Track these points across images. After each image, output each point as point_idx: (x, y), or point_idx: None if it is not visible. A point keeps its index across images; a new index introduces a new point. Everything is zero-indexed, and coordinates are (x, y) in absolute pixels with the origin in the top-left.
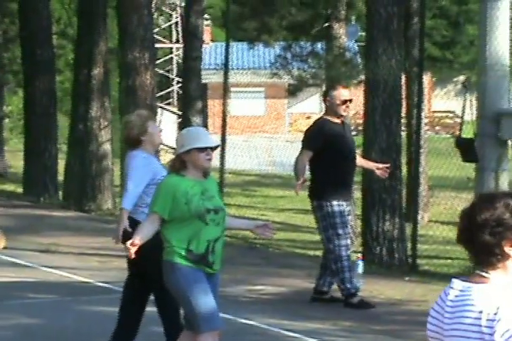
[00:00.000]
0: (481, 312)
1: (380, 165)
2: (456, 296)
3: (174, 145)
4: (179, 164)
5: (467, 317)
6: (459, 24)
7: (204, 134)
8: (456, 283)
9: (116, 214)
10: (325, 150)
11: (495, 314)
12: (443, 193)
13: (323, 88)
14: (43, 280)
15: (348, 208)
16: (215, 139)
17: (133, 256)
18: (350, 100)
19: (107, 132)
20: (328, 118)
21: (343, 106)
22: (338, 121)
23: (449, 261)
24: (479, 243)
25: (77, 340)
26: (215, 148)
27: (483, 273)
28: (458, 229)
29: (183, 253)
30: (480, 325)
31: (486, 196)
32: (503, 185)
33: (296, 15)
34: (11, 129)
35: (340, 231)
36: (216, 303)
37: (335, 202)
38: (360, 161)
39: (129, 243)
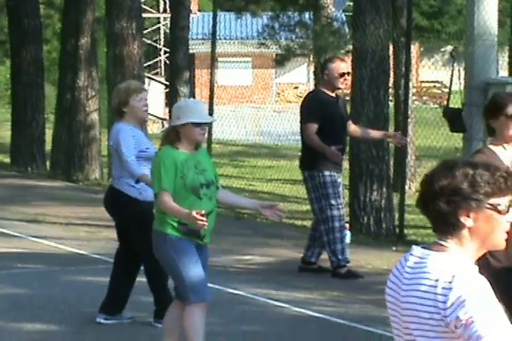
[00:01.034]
0: (437, 280)
1: (390, 134)
2: (415, 263)
3: (161, 116)
4: (173, 136)
5: (423, 284)
6: None
7: (201, 109)
8: (416, 250)
9: (104, 184)
10: (322, 121)
11: (450, 282)
12: (430, 163)
13: (311, 58)
14: (31, 251)
15: (340, 179)
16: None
17: (205, 227)
18: (348, 73)
19: (95, 102)
20: (324, 90)
21: (341, 79)
22: (332, 94)
23: None
24: (435, 211)
25: (66, 310)
26: (211, 122)
27: (441, 242)
28: (418, 195)
29: (176, 225)
30: (435, 293)
31: (448, 163)
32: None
33: None
34: None
35: (333, 202)
36: (206, 275)
37: (327, 173)
38: (363, 131)
39: (195, 213)
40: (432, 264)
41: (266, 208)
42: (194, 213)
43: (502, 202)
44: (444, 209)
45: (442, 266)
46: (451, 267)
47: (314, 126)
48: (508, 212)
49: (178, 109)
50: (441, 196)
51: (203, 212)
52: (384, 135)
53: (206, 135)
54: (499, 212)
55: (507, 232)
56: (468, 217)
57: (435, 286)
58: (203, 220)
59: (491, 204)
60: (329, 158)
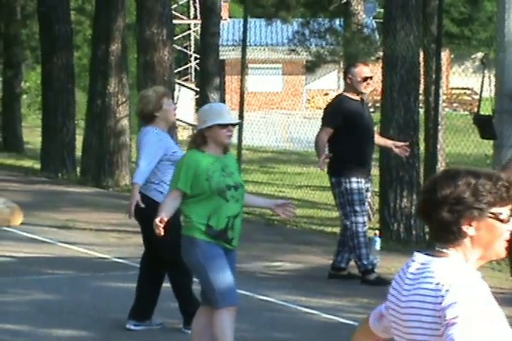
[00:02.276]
0: (438, 284)
1: (399, 144)
2: (417, 269)
3: (191, 122)
4: (200, 139)
5: (425, 288)
6: (477, 0)
7: (226, 111)
8: (418, 257)
9: None
10: (344, 127)
11: (449, 286)
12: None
13: (341, 65)
14: (60, 256)
15: (367, 185)
16: (234, 115)
17: (162, 232)
18: (371, 77)
19: (125, 108)
20: (348, 95)
21: (364, 83)
22: (357, 98)
23: None
24: (437, 220)
25: (95, 316)
26: (236, 124)
27: (443, 250)
28: (418, 203)
29: (203, 228)
30: (436, 296)
31: (449, 172)
32: None
33: None
34: (29, 105)
35: (358, 208)
36: (234, 280)
37: (354, 179)
38: (377, 139)
39: (157, 220)
40: (433, 270)
41: (278, 206)
42: (156, 220)
43: (504, 211)
44: (447, 218)
45: (444, 272)
46: (452, 272)
47: (329, 130)
48: (509, 221)
49: (203, 112)
50: (444, 205)
51: (165, 219)
52: (392, 145)
53: (236, 141)
54: (501, 220)
55: (507, 241)
56: (471, 225)
57: (436, 290)
58: (158, 227)
59: (492, 213)
60: (354, 162)
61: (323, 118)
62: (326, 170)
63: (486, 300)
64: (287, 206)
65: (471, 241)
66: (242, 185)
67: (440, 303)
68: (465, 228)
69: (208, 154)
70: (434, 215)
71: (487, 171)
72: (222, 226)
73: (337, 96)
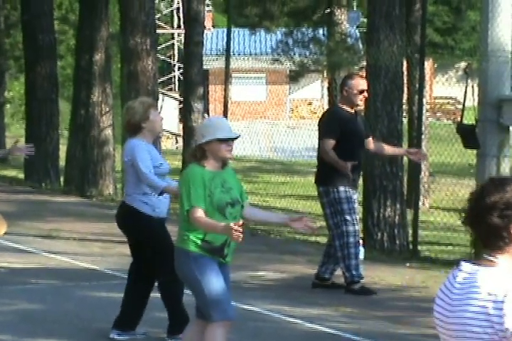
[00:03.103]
0: (489, 294)
1: (413, 150)
2: (465, 279)
3: (175, 131)
4: (200, 154)
5: (475, 298)
6: (461, 10)
7: (225, 125)
8: (465, 266)
9: (117, 200)
10: (340, 137)
11: (504, 296)
12: (444, 179)
13: (325, 74)
14: (45, 266)
15: (355, 196)
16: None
17: (240, 239)
18: (367, 90)
19: (109, 118)
20: (342, 106)
21: (360, 96)
22: (351, 110)
23: (450, 247)
24: (487, 225)
25: (79, 325)
26: (236, 138)
27: (491, 257)
28: (465, 211)
29: (199, 242)
30: (487, 307)
31: (497, 179)
32: (505, 171)
33: (298, 0)
34: (12, 115)
35: (348, 218)
36: (229, 293)
37: (341, 188)
38: (387, 150)
39: (234, 226)
40: (482, 279)
41: (295, 221)
42: (232, 224)
43: None
44: (497, 223)
45: (493, 281)
46: (503, 282)
47: (331, 142)
48: None
49: (202, 127)
50: (494, 210)
51: (241, 222)
52: (405, 152)
53: None
54: None
55: None
56: None
57: (487, 300)
58: (239, 231)
59: None
60: (341, 171)
61: (322, 131)
62: (314, 179)
63: None
64: (305, 220)
65: None
66: (239, 201)
67: (499, 316)
68: None
69: (207, 169)
70: (484, 221)
71: None
72: (220, 242)
73: (331, 108)
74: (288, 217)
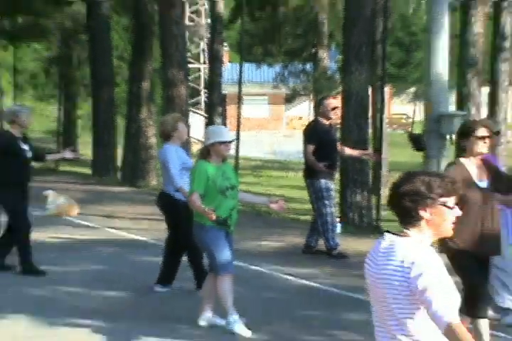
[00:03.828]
0: (404, 257)
1: (367, 152)
2: (387, 245)
3: (202, 139)
4: (206, 152)
5: (393, 260)
6: (410, 50)
7: (225, 131)
8: (388, 236)
9: (158, 189)
10: (317, 144)
11: (412, 262)
12: (399, 174)
13: (311, 97)
14: (106, 238)
15: (333, 186)
16: (232, 134)
17: (214, 217)
18: (338, 107)
19: (152, 129)
20: (320, 120)
21: (332, 112)
22: (327, 122)
23: None
24: (401, 207)
25: (131, 281)
26: (232, 141)
27: (406, 230)
28: (388, 196)
29: None
30: (403, 266)
31: (409, 173)
32: (443, 167)
33: (292, 43)
34: (83, 127)
35: (327, 202)
36: (232, 254)
37: (322, 181)
38: (348, 151)
39: (208, 210)
40: (398, 247)
41: (273, 203)
42: (206, 209)
43: (450, 200)
44: (408, 205)
45: (406, 249)
46: (414, 249)
47: (311, 147)
48: (454, 207)
49: (208, 133)
50: (406, 196)
51: (212, 209)
52: (363, 153)
53: (235, 153)
54: (448, 207)
55: (454, 223)
56: (426, 211)
57: (402, 261)
58: (211, 214)
59: (442, 202)
60: (318, 171)
61: (305, 139)
62: (302, 174)
63: (440, 268)
64: (280, 203)
65: (427, 223)
66: (236, 186)
67: (409, 273)
68: (422, 213)
69: (211, 164)
70: (399, 204)
71: (437, 172)
72: (224, 215)
73: (313, 121)
74: (268, 199)
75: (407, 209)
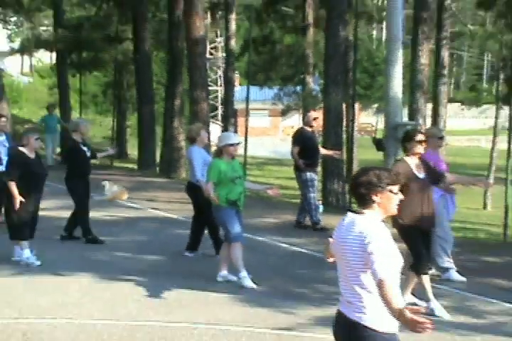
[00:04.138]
0: (360, 231)
1: (337, 152)
2: (349, 221)
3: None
4: (219, 152)
5: (354, 231)
6: (374, 76)
7: (233, 136)
8: (349, 214)
9: (187, 179)
10: (303, 146)
11: (367, 231)
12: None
13: (301, 111)
14: (148, 216)
15: (316, 177)
16: (240, 139)
17: (211, 195)
18: (317, 117)
19: (182, 135)
20: (305, 127)
21: (314, 121)
22: (310, 129)
23: None
24: (358, 194)
25: (167, 248)
26: (239, 143)
27: (362, 210)
28: (349, 185)
29: (224, 200)
30: (360, 236)
31: (365, 168)
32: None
33: (286, 71)
34: (131, 134)
35: (311, 189)
36: (241, 227)
37: (308, 173)
38: (323, 151)
39: (209, 193)
40: (357, 222)
41: (269, 189)
42: (212, 195)
43: (395, 188)
44: (364, 192)
45: (363, 223)
46: (368, 223)
47: (296, 149)
48: (398, 193)
49: (220, 137)
50: (362, 185)
51: (217, 195)
52: (334, 153)
53: (243, 153)
54: (394, 193)
55: (398, 205)
56: (377, 196)
57: (360, 232)
58: (214, 199)
59: (389, 189)
60: (299, 167)
61: (293, 141)
62: (293, 168)
63: (387, 239)
64: (276, 189)
65: (378, 205)
66: (242, 176)
67: (363, 241)
68: (374, 198)
69: (223, 160)
70: (357, 191)
71: (386, 167)
72: (235, 198)
73: (299, 129)
74: (265, 186)
75: (363, 195)
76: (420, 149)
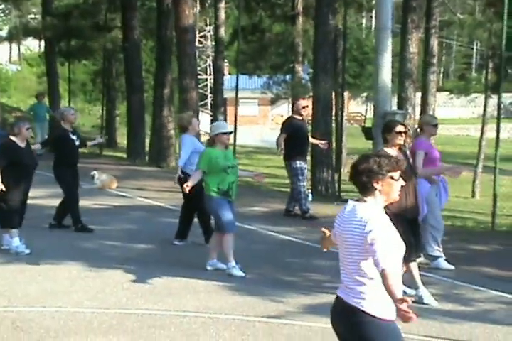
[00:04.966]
0: (362, 217)
1: (323, 142)
2: (349, 210)
3: (209, 131)
4: (212, 141)
5: (355, 219)
6: (363, 65)
7: (225, 125)
8: (350, 202)
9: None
10: (292, 134)
11: (368, 219)
12: (355, 157)
13: (290, 100)
14: (137, 204)
15: (305, 165)
16: (231, 128)
17: (187, 191)
18: (307, 106)
19: (171, 124)
20: (295, 116)
21: (303, 109)
22: (300, 118)
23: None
24: (359, 182)
25: (156, 237)
26: (231, 132)
27: (364, 198)
28: (349, 173)
29: (215, 189)
30: (361, 224)
31: (365, 155)
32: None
33: (276, 59)
34: (120, 122)
35: (300, 178)
36: (233, 217)
37: (297, 162)
38: (312, 140)
39: (185, 185)
40: (359, 210)
41: (255, 175)
42: (185, 185)
43: (395, 174)
44: (365, 180)
45: (364, 211)
46: (369, 211)
47: (283, 136)
48: (398, 180)
49: (213, 126)
50: (363, 173)
51: (190, 185)
52: (320, 143)
53: (232, 141)
54: (395, 180)
55: (399, 191)
56: (378, 183)
57: (361, 220)
58: (186, 187)
59: (390, 176)
60: (293, 154)
61: (281, 128)
62: (282, 156)
63: (388, 226)
64: (261, 176)
65: (379, 192)
66: (235, 165)
67: (364, 229)
68: (375, 185)
69: (216, 149)
70: (358, 179)
71: (386, 154)
72: (226, 188)
73: (289, 117)
74: (252, 173)
75: (364, 183)
76: (400, 140)
